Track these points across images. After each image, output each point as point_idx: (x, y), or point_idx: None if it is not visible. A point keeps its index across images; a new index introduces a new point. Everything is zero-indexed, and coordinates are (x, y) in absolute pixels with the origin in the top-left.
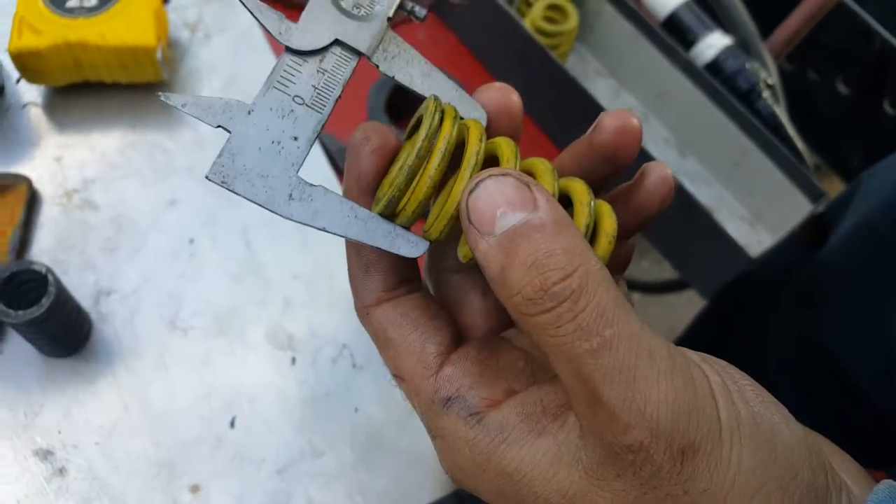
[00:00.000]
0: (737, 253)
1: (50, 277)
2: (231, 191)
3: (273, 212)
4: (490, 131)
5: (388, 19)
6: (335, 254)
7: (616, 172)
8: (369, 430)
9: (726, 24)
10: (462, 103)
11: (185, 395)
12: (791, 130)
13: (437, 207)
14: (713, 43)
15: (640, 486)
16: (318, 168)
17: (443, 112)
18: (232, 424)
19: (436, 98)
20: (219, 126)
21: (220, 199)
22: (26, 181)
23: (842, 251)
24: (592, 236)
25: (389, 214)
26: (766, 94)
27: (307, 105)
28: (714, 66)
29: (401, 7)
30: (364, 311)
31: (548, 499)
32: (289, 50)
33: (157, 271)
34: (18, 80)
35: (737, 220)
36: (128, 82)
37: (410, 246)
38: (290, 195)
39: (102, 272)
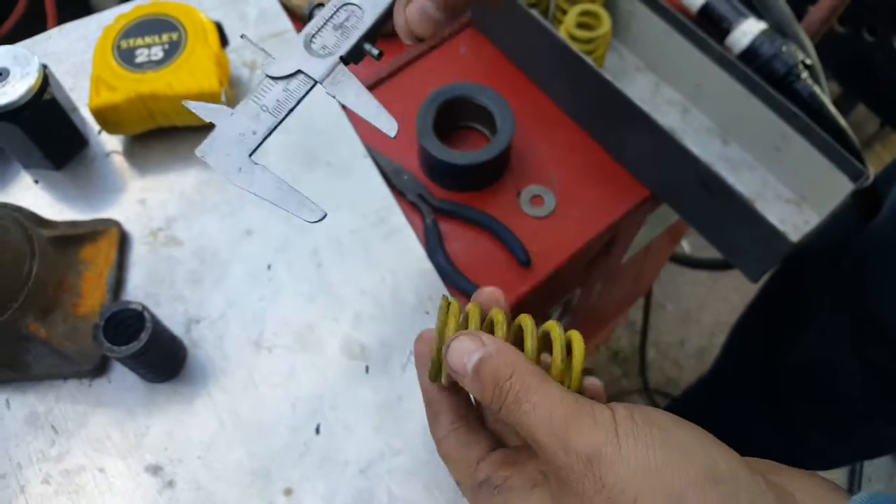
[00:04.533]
0: (779, 239)
1: (146, 314)
2: (205, 161)
3: (226, 178)
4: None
5: (342, 58)
6: (398, 268)
7: None
8: None
9: (760, 9)
10: (380, 118)
11: (274, 408)
12: (832, 109)
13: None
14: (748, 29)
15: (577, 494)
16: (376, 188)
17: (449, 305)
18: (317, 431)
19: (444, 297)
20: (210, 122)
21: (291, 227)
22: (116, 225)
23: (891, 223)
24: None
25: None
26: (804, 74)
27: (269, 112)
28: (750, 53)
29: (360, 49)
30: (437, 443)
31: None
32: (267, 76)
33: (239, 297)
34: (100, 132)
35: (782, 202)
36: (198, 125)
37: (310, 213)
38: (240, 169)
39: (191, 302)
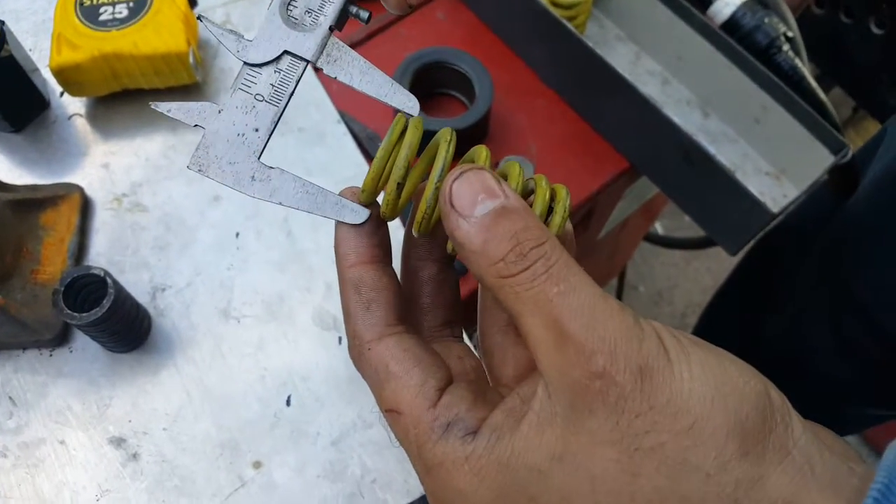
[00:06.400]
0: (760, 210)
1: (108, 280)
2: (206, 177)
3: (240, 191)
4: None
5: (330, 28)
6: None
7: None
8: None
9: None
10: (396, 95)
11: (243, 379)
12: (813, 82)
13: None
14: (730, 0)
15: (611, 415)
16: (349, 154)
17: (406, 123)
18: (287, 403)
19: (399, 114)
20: (196, 125)
21: None
22: (79, 189)
23: (868, 201)
24: (550, 209)
25: (372, 200)
26: (785, 47)
27: (266, 101)
28: (732, 24)
29: (346, 13)
30: (365, 347)
31: (540, 468)
32: (246, 64)
33: (206, 265)
34: (62, 94)
35: (762, 175)
36: (164, 87)
37: (354, 214)
38: (253, 177)
39: (156, 269)
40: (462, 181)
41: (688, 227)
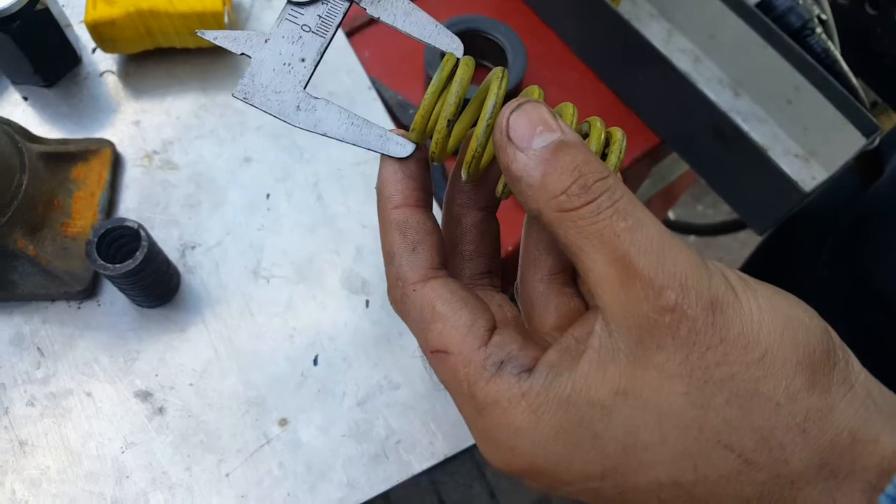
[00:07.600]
0: (791, 189)
1: (142, 232)
2: (251, 105)
3: (284, 121)
4: None
5: None
6: None
7: None
8: None
9: None
10: (440, 36)
11: (271, 338)
12: (845, 66)
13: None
14: None
15: (681, 349)
16: (379, 121)
17: (458, 61)
18: (315, 362)
19: (449, 53)
20: (242, 53)
21: (292, 156)
22: (110, 145)
23: (892, 186)
24: (604, 154)
25: (422, 140)
26: (818, 30)
27: (313, 32)
28: (766, 4)
29: None
30: (410, 289)
31: (603, 403)
32: (290, 2)
33: (237, 225)
34: (94, 50)
35: (791, 156)
36: (197, 47)
37: (400, 147)
38: (298, 106)
39: (186, 227)
40: (520, 113)
41: (700, 217)
